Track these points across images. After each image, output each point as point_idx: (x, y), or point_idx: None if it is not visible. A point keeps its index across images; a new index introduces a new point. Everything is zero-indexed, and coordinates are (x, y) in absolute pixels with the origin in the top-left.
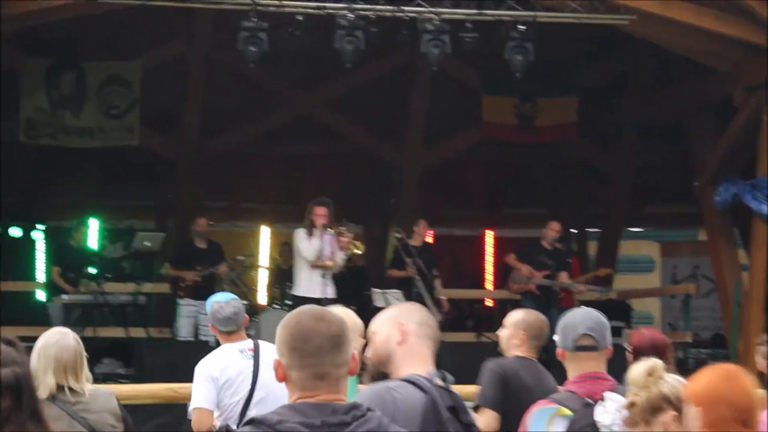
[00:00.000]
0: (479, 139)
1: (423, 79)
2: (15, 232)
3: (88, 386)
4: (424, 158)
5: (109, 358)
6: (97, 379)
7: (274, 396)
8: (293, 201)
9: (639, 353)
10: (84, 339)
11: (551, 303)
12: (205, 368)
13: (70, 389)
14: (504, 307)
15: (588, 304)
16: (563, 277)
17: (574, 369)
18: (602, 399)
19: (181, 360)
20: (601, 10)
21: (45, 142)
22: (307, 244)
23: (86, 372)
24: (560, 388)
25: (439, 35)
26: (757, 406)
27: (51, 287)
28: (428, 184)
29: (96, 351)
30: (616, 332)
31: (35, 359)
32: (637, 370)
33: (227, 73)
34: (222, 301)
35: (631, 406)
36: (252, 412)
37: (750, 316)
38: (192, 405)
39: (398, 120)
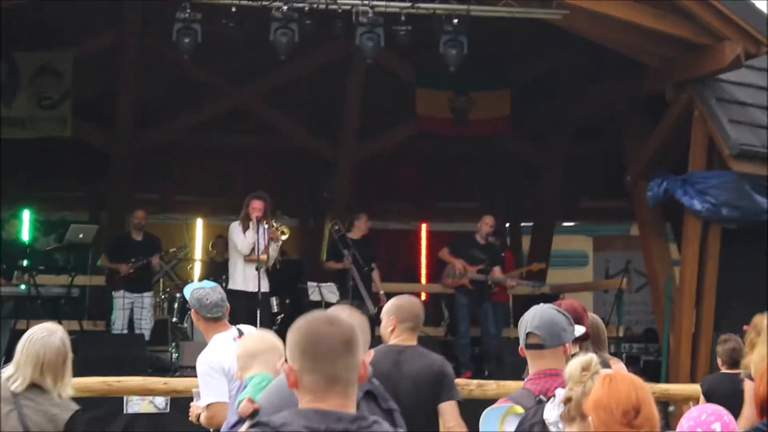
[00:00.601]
0: (413, 132)
1: (357, 72)
2: None
3: (68, 392)
4: (358, 151)
5: None
6: None
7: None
8: (227, 194)
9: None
10: (17, 332)
11: (484, 297)
12: (212, 361)
13: (42, 389)
14: (437, 301)
15: (521, 299)
16: (497, 271)
17: (531, 365)
18: (554, 396)
19: (115, 353)
20: (534, 4)
21: None
22: (242, 238)
23: (68, 376)
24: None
25: (373, 28)
26: (637, 405)
27: None
28: (362, 177)
29: None
30: None
31: (19, 351)
32: (573, 365)
33: (160, 65)
34: (207, 287)
35: (567, 401)
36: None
37: (681, 311)
38: (205, 400)
39: (333, 113)
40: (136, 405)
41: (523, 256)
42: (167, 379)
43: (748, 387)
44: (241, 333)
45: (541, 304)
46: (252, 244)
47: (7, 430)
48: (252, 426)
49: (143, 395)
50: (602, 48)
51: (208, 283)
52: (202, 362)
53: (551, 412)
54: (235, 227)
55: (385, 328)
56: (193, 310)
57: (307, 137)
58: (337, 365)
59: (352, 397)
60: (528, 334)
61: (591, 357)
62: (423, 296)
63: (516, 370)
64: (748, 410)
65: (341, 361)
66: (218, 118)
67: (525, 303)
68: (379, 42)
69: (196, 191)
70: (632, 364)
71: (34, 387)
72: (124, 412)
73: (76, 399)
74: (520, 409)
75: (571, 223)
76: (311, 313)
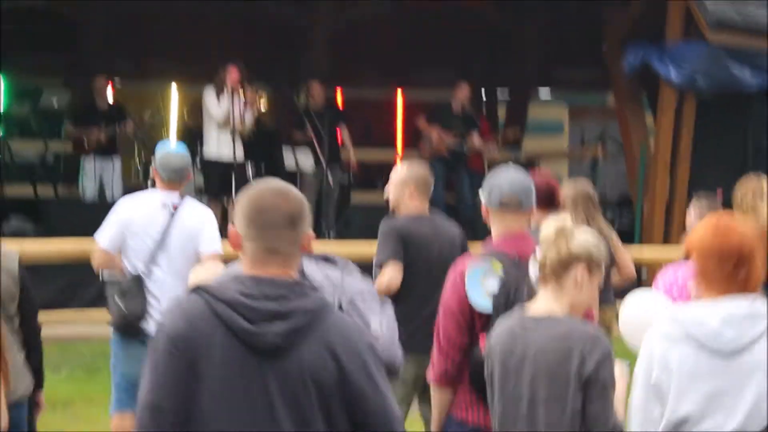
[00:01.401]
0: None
1: None
2: None
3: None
4: (333, 18)
5: (17, 215)
6: (5, 235)
7: (182, 250)
8: (201, 61)
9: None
10: None
11: (461, 165)
12: (118, 208)
13: None
14: None
15: (495, 166)
16: (473, 139)
17: (497, 227)
18: (534, 254)
19: (87, 219)
20: None
21: None
22: (216, 105)
23: None
24: (486, 246)
25: None
26: (746, 251)
27: None
28: (337, 44)
29: (4, 209)
30: None
31: None
32: (547, 229)
33: None
34: (175, 152)
35: (542, 267)
36: (157, 261)
37: (655, 179)
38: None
39: None
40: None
41: (500, 125)
42: None
43: None
44: (175, 208)
45: (511, 166)
46: (226, 111)
47: None
48: (192, 292)
49: None
50: None
51: (181, 149)
52: (118, 204)
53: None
54: (210, 94)
55: (400, 195)
56: (153, 167)
57: (282, 5)
58: (279, 238)
59: (292, 267)
60: (506, 194)
61: (564, 220)
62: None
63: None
64: None
65: (284, 234)
66: None
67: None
68: None
69: (170, 58)
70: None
71: None
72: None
73: (50, 265)
74: (499, 267)
75: (547, 93)
76: (263, 182)
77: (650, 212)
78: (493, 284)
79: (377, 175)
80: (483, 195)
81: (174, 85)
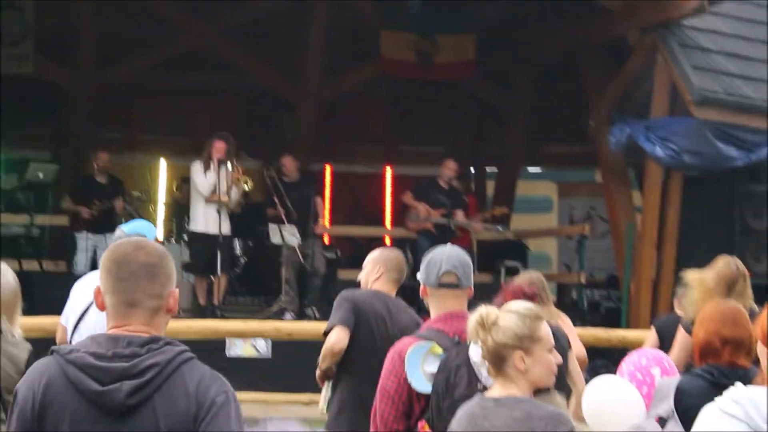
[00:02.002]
0: (377, 73)
1: (321, 12)
2: None
3: (19, 332)
4: (322, 93)
5: None
6: None
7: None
8: (190, 134)
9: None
10: None
11: (447, 241)
12: (75, 286)
13: (4, 330)
14: (401, 245)
15: (485, 244)
16: (459, 215)
17: (436, 306)
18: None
19: None
20: None
21: None
22: (202, 179)
23: (18, 315)
24: (424, 325)
25: None
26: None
27: None
28: (326, 118)
29: None
30: (513, 272)
31: None
32: (471, 326)
33: (124, 2)
34: (125, 233)
35: (485, 359)
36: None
37: (642, 257)
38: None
39: (295, 53)
40: (237, 348)
41: (488, 201)
42: None
43: (680, 332)
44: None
45: (449, 244)
46: (213, 185)
47: None
48: (49, 353)
49: None
50: None
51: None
52: (78, 283)
53: (478, 354)
54: (197, 167)
55: (369, 274)
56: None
57: (270, 77)
58: (137, 289)
59: (155, 323)
60: (444, 273)
61: (484, 313)
62: (387, 240)
63: None
64: (676, 353)
65: (141, 284)
66: (181, 56)
67: (489, 248)
68: None
69: (158, 131)
70: (593, 311)
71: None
72: (227, 354)
73: (34, 340)
74: (439, 350)
75: (537, 170)
76: (125, 239)
77: (637, 292)
78: (433, 365)
79: (365, 251)
80: (421, 274)
81: (162, 160)
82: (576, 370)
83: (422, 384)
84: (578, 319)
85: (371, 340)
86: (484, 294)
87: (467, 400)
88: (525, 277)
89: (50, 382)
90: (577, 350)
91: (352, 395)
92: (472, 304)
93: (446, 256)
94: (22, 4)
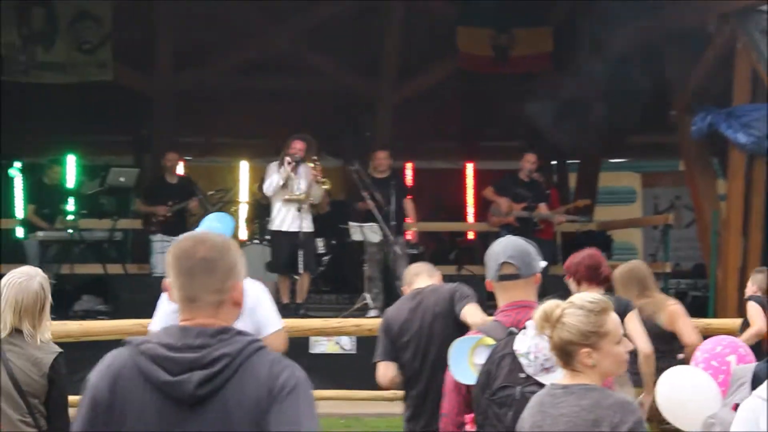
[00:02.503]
0: (455, 70)
1: (397, 10)
2: None
3: (47, 336)
4: (400, 91)
5: (87, 294)
6: (77, 315)
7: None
8: (270, 135)
9: (570, 271)
10: (61, 276)
11: (530, 235)
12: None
13: (21, 333)
14: (485, 239)
15: (568, 236)
16: (542, 208)
17: (501, 298)
18: (525, 327)
19: (158, 296)
20: None
21: (17, 78)
22: (269, 179)
23: (46, 319)
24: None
25: None
26: None
27: (27, 225)
28: (404, 116)
29: (75, 288)
30: None
31: None
32: (536, 321)
33: (200, 7)
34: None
35: (552, 350)
36: None
37: (728, 245)
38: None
39: (372, 53)
40: (322, 346)
41: (571, 194)
42: None
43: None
44: None
45: (508, 236)
46: (275, 187)
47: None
48: (122, 345)
49: None
50: None
51: (224, 226)
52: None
53: (522, 343)
54: (271, 168)
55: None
56: None
57: (348, 78)
58: (195, 285)
59: (223, 315)
60: (502, 264)
61: (549, 308)
62: (471, 235)
63: None
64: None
65: (199, 280)
66: (259, 59)
67: (572, 240)
68: None
69: (238, 134)
70: (680, 300)
71: (16, 332)
72: (310, 352)
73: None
74: (490, 341)
75: (620, 160)
76: (191, 232)
77: (723, 280)
78: (482, 357)
79: (448, 247)
80: (486, 269)
81: (243, 162)
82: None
83: (468, 376)
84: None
85: (410, 353)
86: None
87: (506, 390)
88: (626, 266)
89: (121, 372)
90: (691, 338)
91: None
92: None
93: (503, 247)
94: (101, 13)
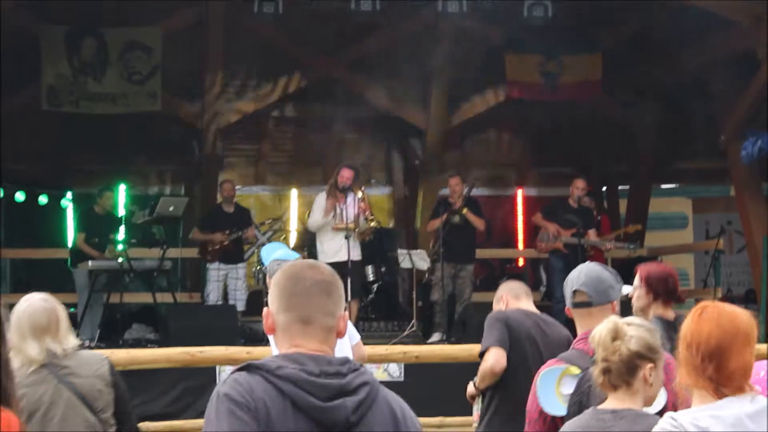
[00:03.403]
0: (504, 97)
1: (445, 39)
2: (42, 199)
3: (73, 343)
4: (449, 119)
5: (137, 323)
6: (127, 344)
7: None
8: (318, 164)
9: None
10: (112, 305)
11: (580, 261)
12: None
13: (56, 353)
14: (535, 266)
15: (619, 261)
16: (591, 234)
17: (580, 325)
18: None
19: (207, 324)
20: None
21: (68, 109)
22: (317, 212)
23: (65, 332)
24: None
25: None
26: (715, 352)
27: (76, 254)
28: (454, 144)
29: (125, 317)
30: None
31: (13, 332)
32: (601, 335)
33: (246, 37)
34: (282, 259)
35: (606, 372)
36: None
37: None
38: None
39: (421, 81)
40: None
41: (621, 220)
42: (250, 349)
43: None
44: None
45: (588, 262)
46: (337, 212)
47: (63, 403)
48: (241, 369)
49: (226, 365)
50: (692, 7)
51: (288, 254)
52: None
53: None
54: (320, 197)
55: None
56: (268, 275)
57: (398, 106)
58: (312, 305)
59: (329, 344)
60: (575, 293)
61: (615, 323)
62: (521, 262)
63: None
64: None
65: (316, 301)
66: (307, 88)
67: (624, 265)
68: (462, 7)
69: (288, 162)
70: None
71: (53, 355)
72: None
73: (169, 369)
74: (576, 370)
75: (670, 186)
76: (294, 260)
77: None
78: (569, 387)
79: (498, 273)
80: (565, 296)
81: (293, 190)
82: None
83: (556, 407)
84: None
85: (523, 359)
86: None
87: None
88: None
89: (267, 397)
90: None
91: (503, 416)
92: None
93: (576, 274)
94: (150, 43)
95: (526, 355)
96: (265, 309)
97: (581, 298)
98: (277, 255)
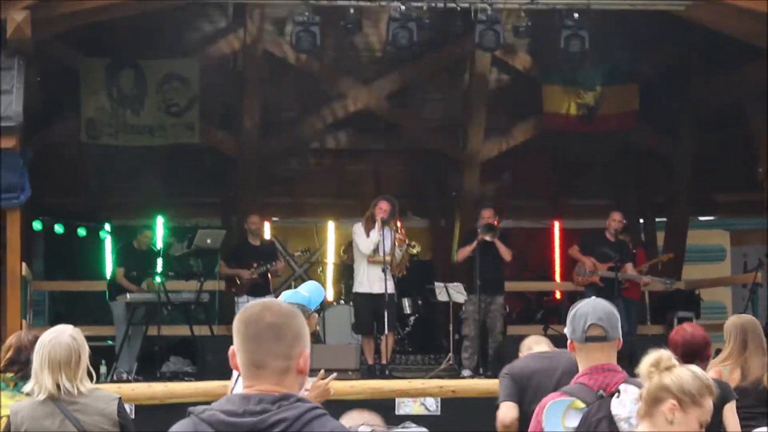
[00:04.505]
0: (540, 129)
1: (483, 69)
2: (81, 232)
3: (87, 386)
4: (485, 150)
5: (175, 356)
6: (165, 377)
7: None
8: (355, 196)
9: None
10: (149, 337)
11: (616, 294)
12: None
13: (67, 389)
14: (572, 299)
15: (657, 294)
16: (628, 268)
17: (584, 360)
18: (617, 391)
19: None
20: None
21: (106, 142)
22: (363, 238)
23: (83, 371)
24: (573, 380)
25: (492, 25)
26: None
27: (115, 287)
28: (490, 175)
29: (162, 350)
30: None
31: (35, 359)
32: (644, 361)
33: (284, 69)
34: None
35: (640, 398)
36: None
37: None
38: None
39: (458, 112)
40: (407, 407)
41: (659, 253)
42: None
43: None
44: None
45: (593, 297)
46: (375, 244)
47: None
48: (187, 414)
49: None
50: (726, 36)
51: (295, 294)
52: None
53: (621, 408)
54: (358, 228)
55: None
56: None
57: (434, 137)
58: (261, 350)
59: (287, 383)
60: (590, 326)
61: (661, 353)
62: (557, 294)
63: None
64: None
65: (267, 346)
66: (344, 120)
67: (661, 299)
68: (498, 38)
69: (325, 194)
70: None
71: (65, 391)
72: (396, 413)
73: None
74: (581, 404)
75: (708, 218)
76: (260, 300)
77: None
78: (574, 421)
79: (535, 306)
80: (567, 329)
81: (330, 222)
82: (733, 422)
83: None
84: None
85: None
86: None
87: None
88: (736, 319)
89: None
90: None
91: None
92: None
93: (591, 308)
94: (188, 75)
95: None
96: (231, 348)
97: (597, 332)
98: (287, 297)
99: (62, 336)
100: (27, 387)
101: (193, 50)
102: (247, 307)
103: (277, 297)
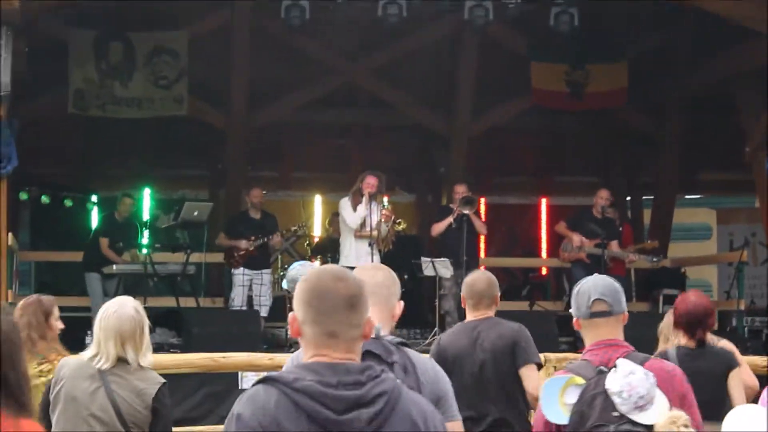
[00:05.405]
0: (528, 106)
1: (470, 47)
2: (67, 202)
3: (149, 359)
4: (473, 126)
5: (160, 328)
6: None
7: None
8: (343, 170)
9: (678, 320)
10: None
11: (602, 271)
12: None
13: (127, 362)
14: (559, 275)
15: (642, 272)
16: (614, 246)
17: (589, 337)
18: (615, 366)
19: (230, 329)
20: None
21: (94, 113)
22: (350, 213)
23: (147, 344)
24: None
25: (481, 2)
26: None
27: (96, 258)
28: (478, 152)
29: (149, 320)
30: (671, 300)
31: (97, 328)
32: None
33: (273, 43)
34: (299, 266)
35: None
36: None
37: None
38: None
39: (446, 88)
40: None
41: (645, 230)
42: (273, 355)
43: None
44: None
45: (595, 274)
46: (362, 219)
47: (96, 406)
48: (260, 381)
49: (248, 371)
50: (718, 18)
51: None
52: None
53: (614, 382)
54: (345, 202)
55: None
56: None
57: (422, 113)
58: (338, 321)
59: (355, 352)
60: (594, 302)
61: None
62: (544, 270)
63: (634, 344)
64: None
65: (343, 317)
66: (332, 94)
67: (647, 276)
68: (487, 15)
69: (312, 168)
70: (754, 338)
71: (120, 362)
72: None
73: (193, 375)
74: (580, 380)
75: (695, 196)
76: (322, 267)
77: None
78: (573, 397)
79: (521, 282)
80: (572, 308)
81: (317, 196)
82: (738, 390)
83: (559, 416)
84: (739, 347)
85: (459, 376)
86: (641, 323)
87: (599, 429)
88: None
89: (280, 412)
90: (751, 381)
91: None
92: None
93: (593, 284)
94: (177, 48)
95: (462, 371)
96: (291, 314)
97: (601, 308)
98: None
99: (126, 308)
100: (87, 353)
101: (183, 23)
102: (317, 276)
103: (272, 268)
